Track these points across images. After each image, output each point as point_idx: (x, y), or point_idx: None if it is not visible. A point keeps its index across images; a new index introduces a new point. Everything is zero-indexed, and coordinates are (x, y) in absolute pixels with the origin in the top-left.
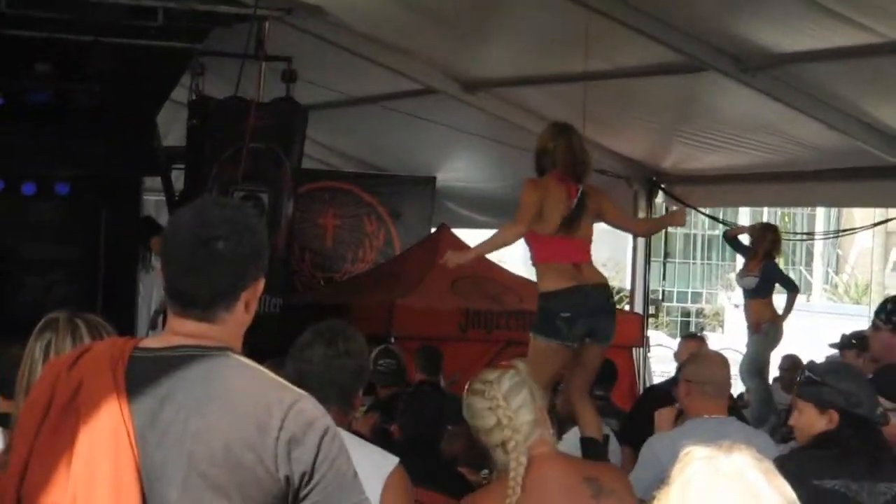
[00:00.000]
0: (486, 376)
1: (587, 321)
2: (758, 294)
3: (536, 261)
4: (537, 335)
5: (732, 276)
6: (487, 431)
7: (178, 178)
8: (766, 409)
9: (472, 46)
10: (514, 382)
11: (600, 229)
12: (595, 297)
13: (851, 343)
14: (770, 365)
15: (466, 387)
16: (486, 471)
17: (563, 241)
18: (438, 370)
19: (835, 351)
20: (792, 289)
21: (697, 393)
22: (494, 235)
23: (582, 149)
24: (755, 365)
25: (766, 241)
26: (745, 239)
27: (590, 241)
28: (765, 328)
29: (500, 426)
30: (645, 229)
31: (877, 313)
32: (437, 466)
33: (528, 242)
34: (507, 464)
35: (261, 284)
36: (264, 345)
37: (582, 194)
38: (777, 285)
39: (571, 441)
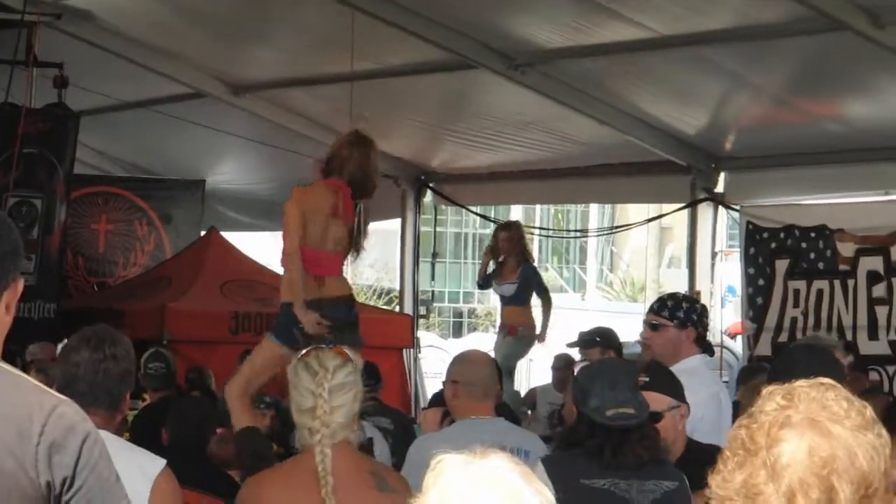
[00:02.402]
0: (324, 359)
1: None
2: (515, 301)
3: (283, 265)
4: (273, 337)
5: None
6: (300, 410)
7: None
8: (517, 410)
9: (240, 49)
10: (346, 381)
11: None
12: (335, 309)
13: (595, 341)
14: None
15: (304, 352)
16: None
17: (314, 253)
18: None
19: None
20: (547, 301)
21: (464, 394)
22: (286, 269)
23: (376, 168)
24: (506, 366)
25: (506, 242)
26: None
27: (345, 256)
28: (520, 331)
29: (314, 415)
30: None
31: (656, 311)
32: (205, 469)
33: (283, 245)
34: (311, 447)
35: (20, 285)
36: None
37: (359, 213)
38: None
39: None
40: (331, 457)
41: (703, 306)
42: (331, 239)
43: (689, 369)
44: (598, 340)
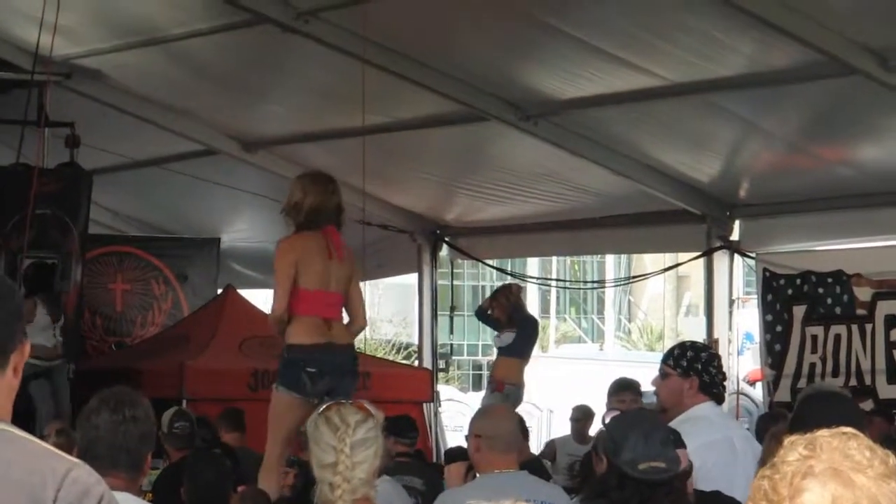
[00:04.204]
0: (346, 414)
1: (332, 379)
2: (511, 352)
3: (291, 312)
4: (280, 387)
5: None
6: (321, 466)
7: None
8: None
9: (251, 105)
10: (367, 437)
11: (385, 284)
12: (343, 356)
13: (630, 386)
14: None
15: (325, 406)
16: None
17: (320, 294)
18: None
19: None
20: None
21: (487, 448)
22: (271, 318)
23: (333, 196)
24: None
25: (498, 311)
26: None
27: (344, 297)
28: (508, 390)
29: (335, 470)
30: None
31: (664, 360)
32: None
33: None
34: (332, 501)
35: (27, 347)
36: None
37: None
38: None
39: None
40: None
41: (712, 354)
42: (333, 279)
43: (693, 418)
44: (635, 389)
